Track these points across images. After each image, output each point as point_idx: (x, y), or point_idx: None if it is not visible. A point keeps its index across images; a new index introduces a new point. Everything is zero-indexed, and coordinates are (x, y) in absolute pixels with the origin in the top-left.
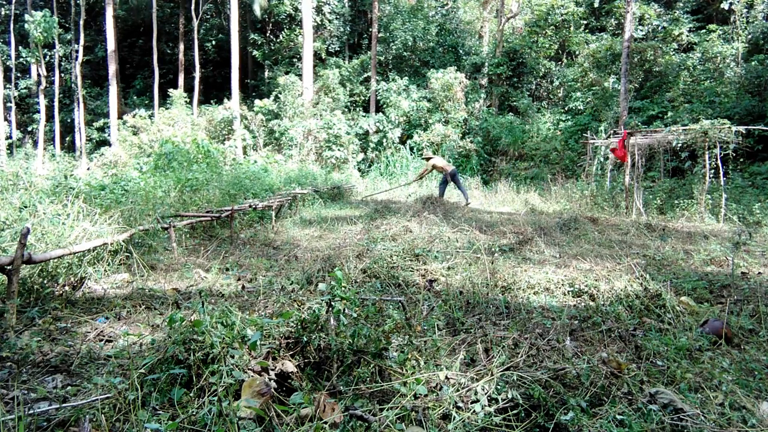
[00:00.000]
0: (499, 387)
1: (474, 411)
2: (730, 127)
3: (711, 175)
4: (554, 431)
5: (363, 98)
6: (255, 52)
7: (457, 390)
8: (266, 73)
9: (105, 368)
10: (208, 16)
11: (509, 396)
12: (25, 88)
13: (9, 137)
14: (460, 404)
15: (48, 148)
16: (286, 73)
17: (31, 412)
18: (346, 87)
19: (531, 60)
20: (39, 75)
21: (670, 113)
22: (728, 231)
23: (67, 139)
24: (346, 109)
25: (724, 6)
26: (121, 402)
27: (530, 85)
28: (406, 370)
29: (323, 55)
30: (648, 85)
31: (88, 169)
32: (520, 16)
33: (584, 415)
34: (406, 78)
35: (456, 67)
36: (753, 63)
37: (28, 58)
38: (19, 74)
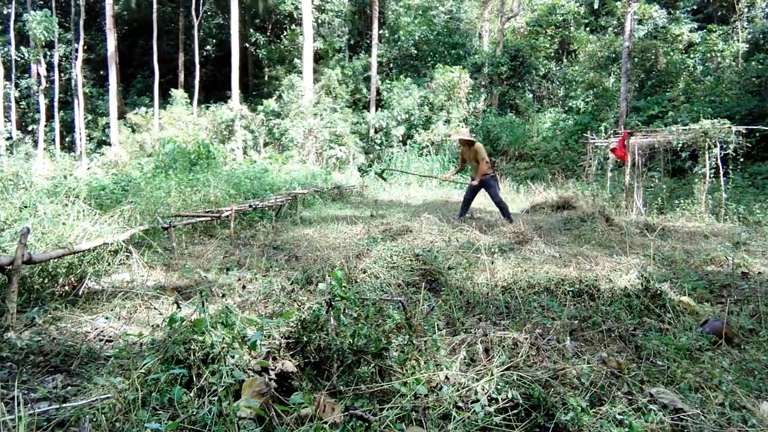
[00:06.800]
0: (499, 387)
1: (474, 411)
2: (730, 127)
3: (711, 175)
4: (554, 431)
5: (364, 97)
6: (257, 51)
7: (457, 390)
8: (267, 73)
9: (105, 368)
10: (209, 15)
11: (509, 396)
12: (25, 87)
13: (9, 137)
14: (460, 404)
15: (48, 148)
16: (288, 72)
17: (31, 412)
18: (348, 86)
19: (532, 59)
20: (39, 75)
21: (670, 113)
22: (728, 231)
23: (67, 139)
24: (348, 109)
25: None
26: (121, 402)
27: (531, 85)
28: (406, 370)
29: (325, 54)
30: (648, 85)
31: (89, 168)
32: (520, 16)
33: (584, 414)
34: (409, 78)
35: (462, 66)
36: (753, 63)
37: (29, 58)
38: (19, 74)
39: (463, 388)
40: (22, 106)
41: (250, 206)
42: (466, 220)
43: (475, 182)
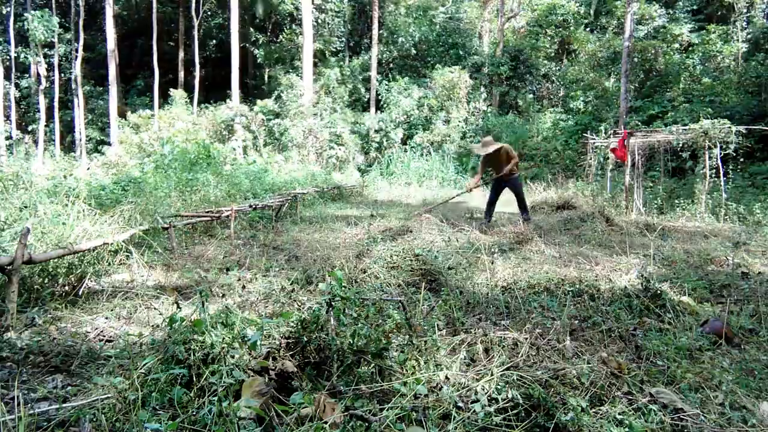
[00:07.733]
0: (499, 387)
1: (474, 411)
2: (730, 127)
3: (711, 175)
4: (554, 431)
5: (363, 97)
6: (256, 51)
7: (457, 390)
8: (266, 73)
9: (105, 368)
10: (209, 16)
11: (509, 396)
12: (25, 87)
13: (9, 137)
14: (460, 404)
15: (48, 148)
16: (287, 72)
17: (31, 412)
18: (347, 86)
19: (532, 59)
20: (39, 74)
21: (670, 113)
22: (728, 231)
23: (67, 139)
24: (347, 109)
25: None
26: (121, 402)
27: (531, 85)
28: (406, 370)
29: (324, 55)
30: (648, 85)
31: (88, 168)
32: (520, 16)
33: (584, 414)
34: (407, 78)
35: (461, 66)
36: (753, 63)
37: (28, 57)
38: (19, 74)
39: (463, 388)
40: (22, 106)
41: (250, 206)
42: (470, 221)
43: (507, 171)
